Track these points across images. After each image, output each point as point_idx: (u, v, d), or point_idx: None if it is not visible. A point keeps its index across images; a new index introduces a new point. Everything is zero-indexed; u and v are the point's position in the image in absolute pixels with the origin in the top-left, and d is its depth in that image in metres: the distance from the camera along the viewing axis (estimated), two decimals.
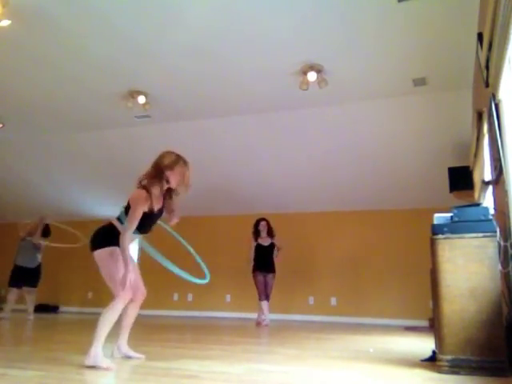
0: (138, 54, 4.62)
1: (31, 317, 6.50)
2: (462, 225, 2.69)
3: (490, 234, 2.62)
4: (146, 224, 2.88)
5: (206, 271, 3.27)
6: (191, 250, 3.30)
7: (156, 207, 2.86)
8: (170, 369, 2.68)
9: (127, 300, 2.79)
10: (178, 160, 2.90)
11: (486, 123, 3.60)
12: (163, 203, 2.96)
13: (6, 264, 6.90)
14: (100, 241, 2.86)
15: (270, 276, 6.30)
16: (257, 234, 6.42)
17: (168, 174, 2.86)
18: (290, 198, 7.37)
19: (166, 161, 2.89)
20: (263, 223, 6.44)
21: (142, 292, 3.03)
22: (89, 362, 2.60)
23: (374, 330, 5.82)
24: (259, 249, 6.36)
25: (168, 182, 2.89)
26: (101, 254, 2.82)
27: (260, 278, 6.24)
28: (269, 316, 6.22)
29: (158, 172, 2.86)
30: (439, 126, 5.69)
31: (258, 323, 6.18)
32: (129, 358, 2.98)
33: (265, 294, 6.23)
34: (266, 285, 6.27)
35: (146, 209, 2.78)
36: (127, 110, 5.77)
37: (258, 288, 6.24)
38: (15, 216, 8.09)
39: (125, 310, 2.91)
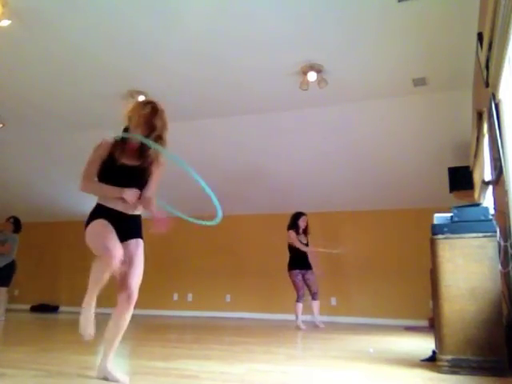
0: (137, 54, 4.62)
1: (2, 318, 6.10)
2: (462, 225, 2.70)
3: (490, 234, 2.63)
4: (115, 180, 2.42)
5: (218, 207, 2.58)
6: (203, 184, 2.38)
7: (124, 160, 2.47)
8: (169, 369, 2.68)
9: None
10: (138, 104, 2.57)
11: (485, 123, 3.60)
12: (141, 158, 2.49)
13: None
14: None
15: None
16: (297, 228, 6.12)
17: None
18: (288, 199, 7.36)
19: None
20: (304, 218, 6.14)
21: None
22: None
23: (374, 330, 5.81)
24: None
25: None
26: None
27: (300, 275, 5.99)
28: (300, 318, 5.76)
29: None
30: (439, 125, 5.68)
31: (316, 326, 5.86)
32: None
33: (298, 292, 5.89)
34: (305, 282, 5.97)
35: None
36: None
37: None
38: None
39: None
